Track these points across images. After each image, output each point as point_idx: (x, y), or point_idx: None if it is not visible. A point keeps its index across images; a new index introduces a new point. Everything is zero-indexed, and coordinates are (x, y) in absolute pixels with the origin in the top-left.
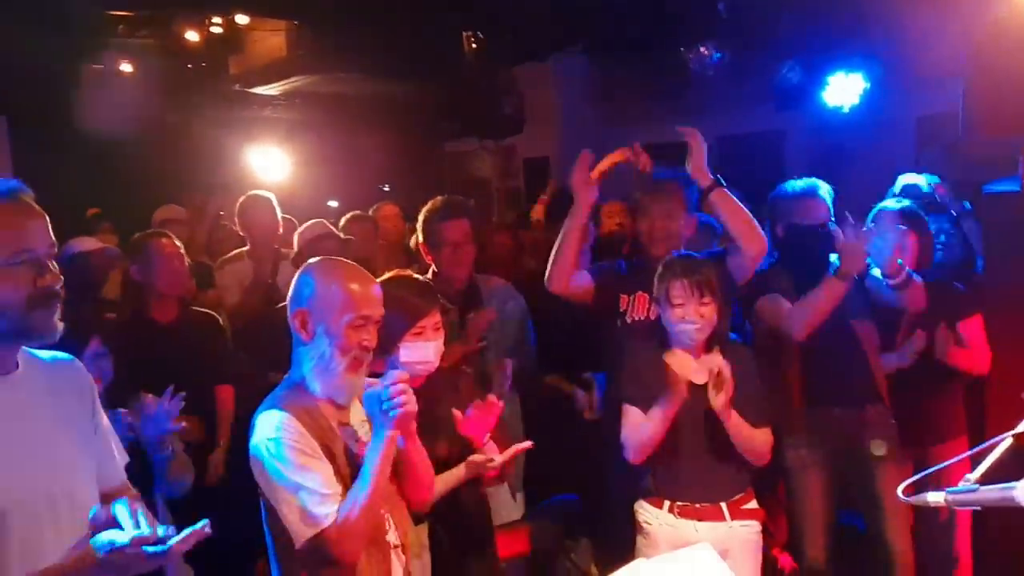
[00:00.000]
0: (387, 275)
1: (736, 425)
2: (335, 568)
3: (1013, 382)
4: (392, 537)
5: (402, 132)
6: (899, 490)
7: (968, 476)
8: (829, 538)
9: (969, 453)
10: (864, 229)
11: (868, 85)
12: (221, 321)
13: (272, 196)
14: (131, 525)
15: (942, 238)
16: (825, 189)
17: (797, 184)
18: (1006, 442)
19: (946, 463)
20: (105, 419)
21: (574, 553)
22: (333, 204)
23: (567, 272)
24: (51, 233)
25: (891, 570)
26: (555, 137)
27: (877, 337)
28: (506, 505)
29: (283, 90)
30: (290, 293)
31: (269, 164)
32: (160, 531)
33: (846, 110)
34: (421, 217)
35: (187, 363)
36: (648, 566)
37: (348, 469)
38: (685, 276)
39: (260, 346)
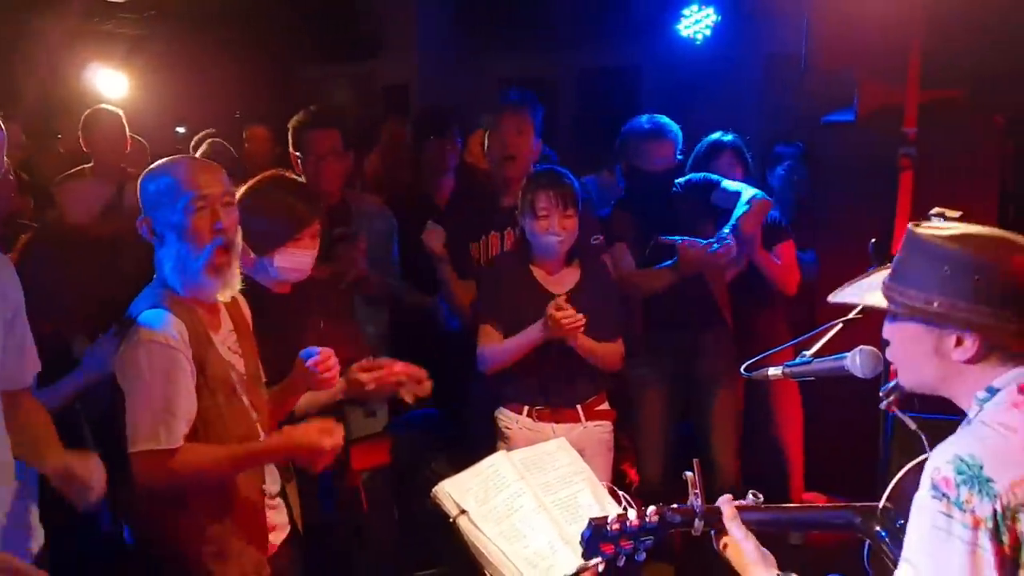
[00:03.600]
0: (269, 174)
1: (584, 347)
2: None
3: None
4: None
5: (255, 56)
6: (742, 368)
7: (804, 352)
8: (666, 456)
9: (803, 338)
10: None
11: (719, 18)
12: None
13: (120, 112)
14: None
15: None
16: (672, 129)
17: (644, 124)
18: (836, 327)
19: (784, 345)
20: (24, 322)
21: (435, 463)
22: (180, 130)
23: None
24: None
25: (718, 483)
26: (414, 64)
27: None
28: (357, 421)
29: None
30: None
31: (113, 83)
32: None
33: (699, 42)
34: (291, 124)
35: None
36: (508, 457)
37: (218, 380)
38: (550, 187)
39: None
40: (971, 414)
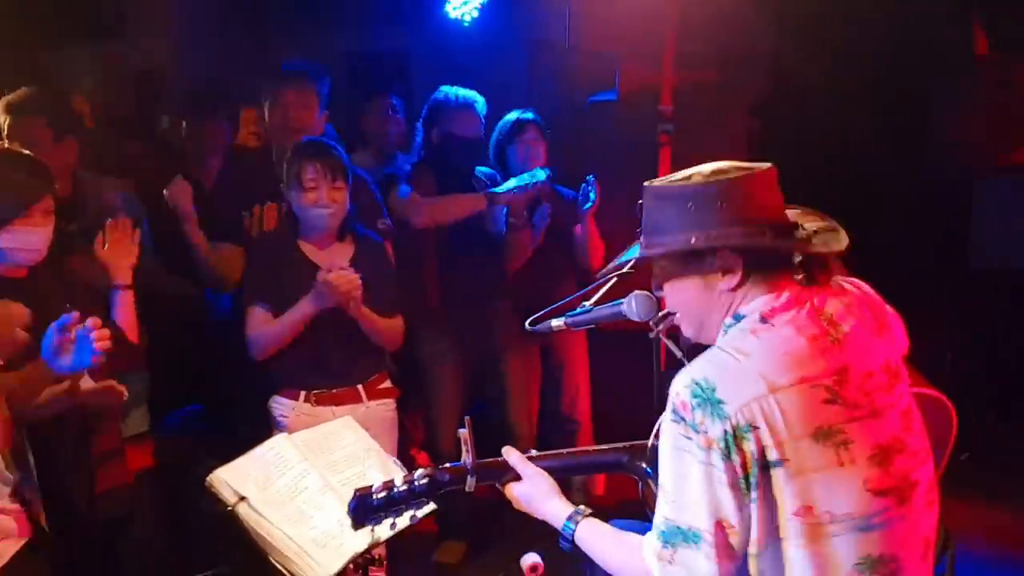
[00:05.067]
0: None
1: (365, 317)
2: None
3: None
4: None
5: None
6: (527, 324)
7: (584, 303)
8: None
9: (583, 291)
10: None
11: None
12: None
13: None
14: None
15: None
16: (481, 103)
17: (459, 94)
18: (612, 280)
19: (564, 300)
20: None
21: (208, 460)
22: None
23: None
24: None
25: (517, 446)
26: (170, 47)
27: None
28: None
29: None
30: None
31: None
32: None
33: (467, 23)
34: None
35: None
36: (290, 439)
37: None
38: (317, 158)
39: None
40: (717, 339)
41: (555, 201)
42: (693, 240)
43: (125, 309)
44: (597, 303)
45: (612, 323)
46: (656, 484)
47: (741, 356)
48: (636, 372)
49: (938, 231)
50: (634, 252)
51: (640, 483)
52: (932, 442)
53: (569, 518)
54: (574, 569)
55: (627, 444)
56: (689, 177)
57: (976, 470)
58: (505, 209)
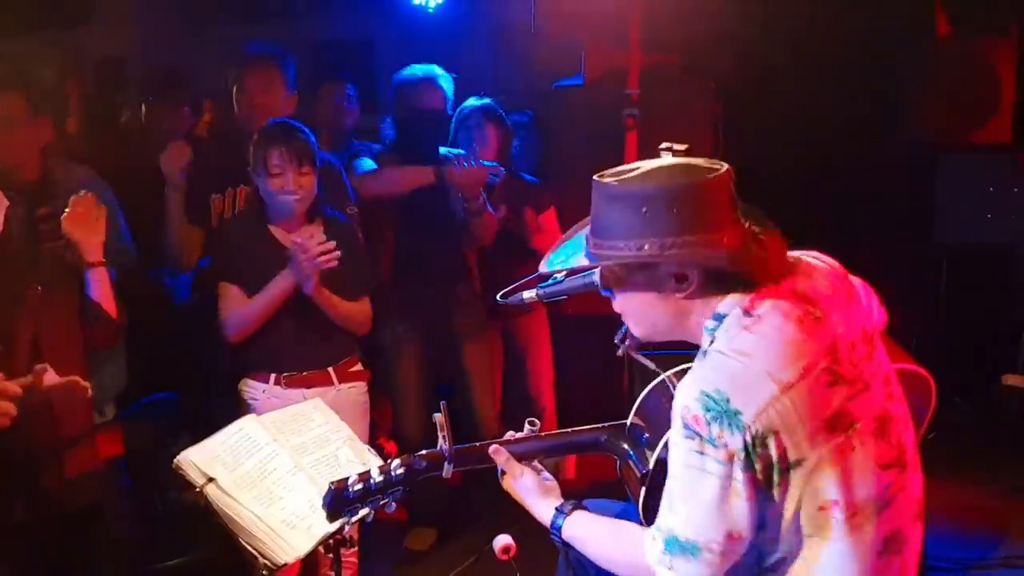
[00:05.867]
0: None
1: (327, 302)
2: None
3: None
4: None
5: None
6: (498, 296)
7: (556, 275)
8: (426, 414)
9: (552, 270)
10: (473, 165)
11: None
12: None
13: None
14: None
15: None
16: (445, 77)
17: (418, 70)
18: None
19: (529, 276)
20: None
21: (176, 447)
22: None
23: None
24: None
25: (481, 432)
26: (131, 35)
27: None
28: None
29: None
30: None
31: None
32: None
33: (431, 10)
34: None
35: None
36: (259, 420)
37: None
38: (284, 143)
39: None
40: (704, 344)
41: (515, 186)
42: (646, 247)
43: (100, 286)
44: (568, 275)
45: (583, 294)
46: (635, 465)
47: (744, 358)
48: (602, 357)
49: (902, 209)
50: (578, 250)
51: (619, 462)
52: (911, 414)
53: (555, 515)
54: (545, 549)
55: (605, 424)
56: (642, 175)
57: (941, 447)
58: (460, 196)
